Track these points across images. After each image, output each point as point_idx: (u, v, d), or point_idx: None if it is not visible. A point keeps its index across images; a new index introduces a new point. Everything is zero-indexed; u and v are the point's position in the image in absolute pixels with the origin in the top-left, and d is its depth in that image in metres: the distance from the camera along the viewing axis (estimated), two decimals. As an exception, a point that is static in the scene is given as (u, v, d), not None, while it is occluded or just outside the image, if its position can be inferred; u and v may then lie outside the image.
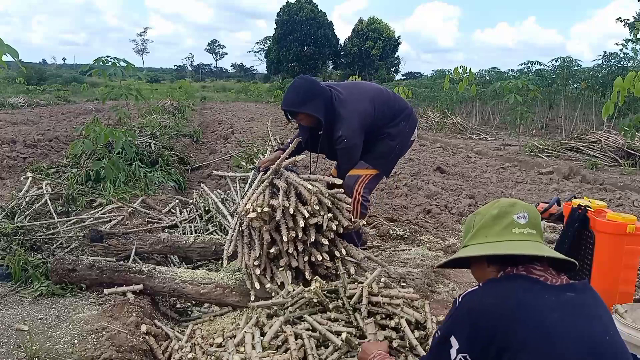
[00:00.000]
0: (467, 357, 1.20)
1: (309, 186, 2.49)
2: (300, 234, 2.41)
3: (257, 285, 2.49)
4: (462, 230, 1.49)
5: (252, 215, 2.43)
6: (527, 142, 10.52)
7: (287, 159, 2.68)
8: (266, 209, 2.42)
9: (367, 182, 3.17)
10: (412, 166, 7.71)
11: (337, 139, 3.00)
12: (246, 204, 2.51)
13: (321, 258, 2.50)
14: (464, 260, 1.38)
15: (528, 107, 12.43)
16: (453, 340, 1.22)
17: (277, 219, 2.43)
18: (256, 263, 2.51)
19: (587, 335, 1.14)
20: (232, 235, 2.69)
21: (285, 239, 2.41)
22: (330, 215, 2.53)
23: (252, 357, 1.78)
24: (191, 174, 6.92)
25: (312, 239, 2.47)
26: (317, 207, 2.45)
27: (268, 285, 2.49)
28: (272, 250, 2.49)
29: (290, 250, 2.46)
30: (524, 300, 1.18)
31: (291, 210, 2.41)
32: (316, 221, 2.47)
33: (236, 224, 2.67)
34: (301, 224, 2.39)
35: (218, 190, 5.25)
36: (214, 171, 4.51)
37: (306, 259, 2.50)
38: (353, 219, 2.72)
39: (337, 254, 2.57)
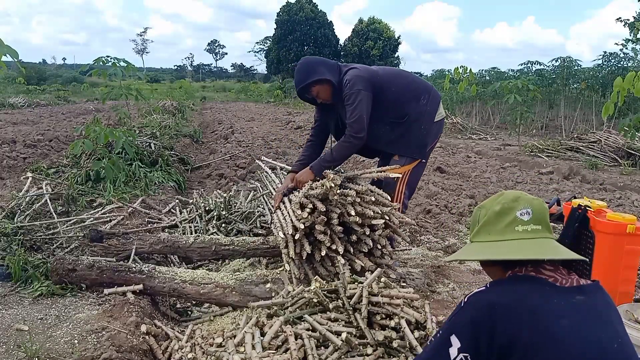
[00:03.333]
0: (468, 357, 1.18)
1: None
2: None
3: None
4: (469, 221, 1.47)
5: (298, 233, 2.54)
6: (527, 142, 10.52)
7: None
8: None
9: (408, 178, 3.08)
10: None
11: (344, 89, 2.92)
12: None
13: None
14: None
15: (528, 107, 12.44)
16: (454, 339, 1.20)
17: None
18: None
19: (596, 341, 1.11)
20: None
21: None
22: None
23: (252, 357, 1.78)
24: (191, 174, 6.92)
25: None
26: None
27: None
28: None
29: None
30: (532, 304, 1.15)
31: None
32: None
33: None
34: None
35: (218, 190, 5.26)
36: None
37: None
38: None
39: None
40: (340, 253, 2.57)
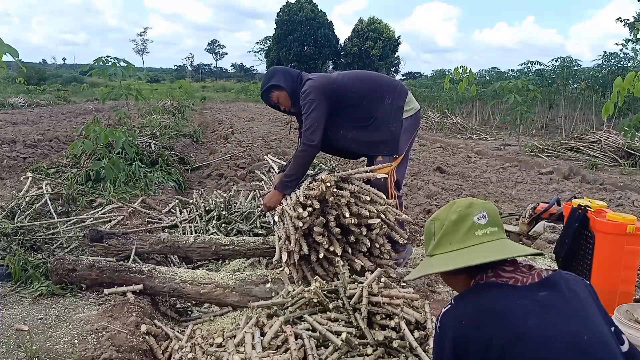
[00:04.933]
0: None
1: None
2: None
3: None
4: (423, 238, 1.46)
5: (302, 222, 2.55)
6: (527, 142, 10.52)
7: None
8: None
9: (395, 176, 3.12)
10: (412, 166, 7.71)
11: (300, 99, 3.02)
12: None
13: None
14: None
15: (528, 107, 12.43)
16: None
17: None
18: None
19: (563, 337, 1.09)
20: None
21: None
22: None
23: (252, 357, 1.78)
24: (191, 174, 6.92)
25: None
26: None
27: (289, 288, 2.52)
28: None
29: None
30: (496, 310, 1.14)
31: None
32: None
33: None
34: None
35: (218, 190, 5.25)
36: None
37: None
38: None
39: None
40: (339, 255, 2.56)
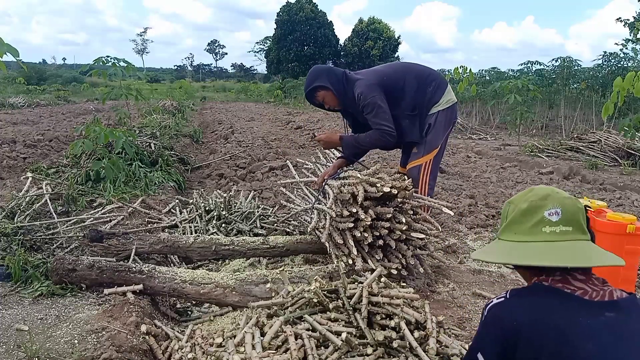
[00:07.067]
0: None
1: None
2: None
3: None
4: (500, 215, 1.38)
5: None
6: (527, 142, 10.52)
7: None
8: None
9: (430, 169, 3.18)
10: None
11: (358, 102, 3.08)
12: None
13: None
14: None
15: (528, 107, 12.43)
16: (480, 357, 1.14)
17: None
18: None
19: None
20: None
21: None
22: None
23: (252, 357, 1.78)
24: (191, 174, 6.92)
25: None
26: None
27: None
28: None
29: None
30: (557, 323, 1.04)
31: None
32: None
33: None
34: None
35: (218, 190, 5.25)
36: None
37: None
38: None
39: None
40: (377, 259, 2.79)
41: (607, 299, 1.08)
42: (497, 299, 1.18)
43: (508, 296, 1.16)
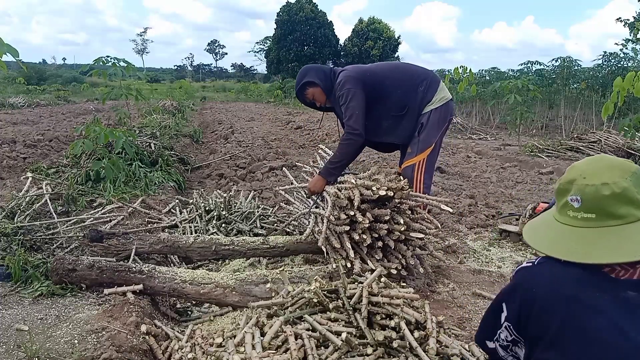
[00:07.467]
0: (511, 327, 1.20)
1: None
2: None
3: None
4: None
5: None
6: (527, 142, 10.52)
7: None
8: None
9: (424, 167, 3.17)
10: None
11: (336, 91, 3.08)
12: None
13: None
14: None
15: (528, 107, 12.43)
16: (504, 306, 1.23)
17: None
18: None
19: (633, 346, 0.98)
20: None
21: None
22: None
23: (252, 357, 1.78)
24: (191, 174, 6.92)
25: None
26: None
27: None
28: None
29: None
30: (572, 294, 1.06)
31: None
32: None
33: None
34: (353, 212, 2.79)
35: (218, 190, 5.25)
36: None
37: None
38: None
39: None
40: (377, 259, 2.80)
41: (636, 277, 1.06)
42: (527, 262, 1.23)
43: (536, 263, 1.20)
